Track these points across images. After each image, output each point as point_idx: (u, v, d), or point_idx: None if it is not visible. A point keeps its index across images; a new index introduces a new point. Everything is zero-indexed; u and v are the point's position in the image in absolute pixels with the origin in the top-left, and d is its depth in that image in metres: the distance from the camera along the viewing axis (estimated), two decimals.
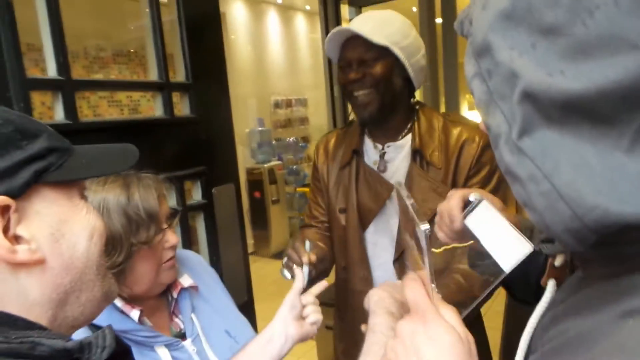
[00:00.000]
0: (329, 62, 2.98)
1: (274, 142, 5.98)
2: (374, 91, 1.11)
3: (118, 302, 0.86)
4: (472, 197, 0.73)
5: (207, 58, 1.51)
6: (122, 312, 0.85)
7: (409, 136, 1.18)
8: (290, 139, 6.32)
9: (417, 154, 1.14)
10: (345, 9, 3.03)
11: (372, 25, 1.09)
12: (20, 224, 0.42)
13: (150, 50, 1.33)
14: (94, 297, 0.49)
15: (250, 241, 5.44)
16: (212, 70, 1.54)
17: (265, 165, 5.50)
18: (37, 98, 1.03)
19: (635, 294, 0.33)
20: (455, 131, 1.15)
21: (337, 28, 1.11)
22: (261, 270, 5.16)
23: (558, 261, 0.51)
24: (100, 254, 0.50)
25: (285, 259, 1.07)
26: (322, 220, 1.31)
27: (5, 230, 0.40)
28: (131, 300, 0.87)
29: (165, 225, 0.88)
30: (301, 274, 0.95)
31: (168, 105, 1.36)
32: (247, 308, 1.63)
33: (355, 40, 1.10)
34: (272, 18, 6.45)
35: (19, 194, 0.42)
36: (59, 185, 0.46)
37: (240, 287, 1.62)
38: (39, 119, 1.04)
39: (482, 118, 0.40)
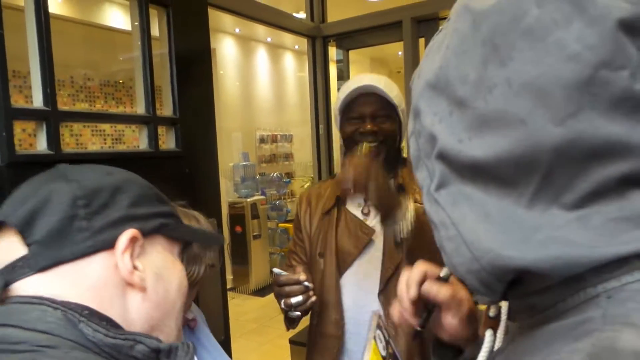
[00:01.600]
0: (315, 101, 3.04)
1: (257, 176, 5.98)
2: (383, 145, 1.17)
3: None
4: (443, 272, 0.69)
5: (195, 93, 1.53)
6: None
7: (392, 180, 1.20)
8: (274, 174, 6.33)
9: (400, 190, 1.17)
10: (333, 51, 3.12)
11: (384, 84, 1.15)
12: (139, 257, 0.53)
13: (139, 82, 1.34)
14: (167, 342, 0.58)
15: (229, 277, 5.33)
16: (200, 105, 1.55)
17: (248, 200, 5.47)
18: (19, 125, 1.03)
19: (554, 343, 0.34)
20: None
21: (357, 83, 1.16)
22: (239, 307, 5.04)
23: (492, 312, 0.53)
24: (181, 309, 0.59)
25: (282, 303, 1.08)
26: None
27: (130, 257, 0.52)
28: None
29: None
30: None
31: (153, 138, 1.36)
32: (223, 346, 1.58)
33: (369, 96, 1.16)
34: (261, 55, 6.59)
35: (146, 234, 0.55)
36: (170, 240, 0.59)
37: (217, 325, 1.57)
38: (18, 146, 1.03)
39: (413, 172, 0.46)
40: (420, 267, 0.71)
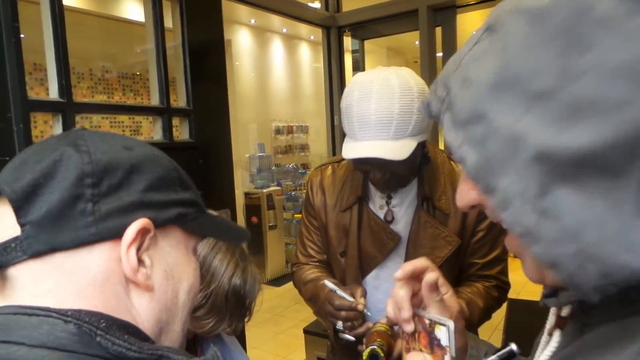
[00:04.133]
0: (331, 91, 3.02)
1: (273, 167, 6.00)
2: (398, 182, 1.08)
3: None
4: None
5: (209, 84, 1.53)
6: None
7: (415, 180, 1.13)
8: (290, 165, 6.35)
9: (425, 201, 1.11)
10: (348, 41, 3.09)
11: (394, 131, 0.94)
12: (148, 250, 0.47)
13: (153, 74, 1.36)
14: (172, 345, 0.53)
15: None
16: (214, 97, 1.56)
17: (264, 191, 5.50)
18: (40, 117, 1.05)
19: None
20: (459, 171, 1.13)
21: (359, 152, 0.96)
22: None
23: (565, 312, 0.52)
24: (189, 312, 0.53)
25: (339, 325, 1.01)
26: (319, 260, 1.26)
27: (137, 250, 0.45)
28: None
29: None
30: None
31: (168, 129, 1.37)
32: (238, 336, 1.60)
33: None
34: (277, 46, 6.58)
35: (160, 225, 0.47)
36: (187, 234, 0.52)
37: None
38: (39, 137, 1.05)
39: (477, 184, 0.41)
40: (405, 287, 0.69)
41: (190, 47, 1.44)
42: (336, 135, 3.02)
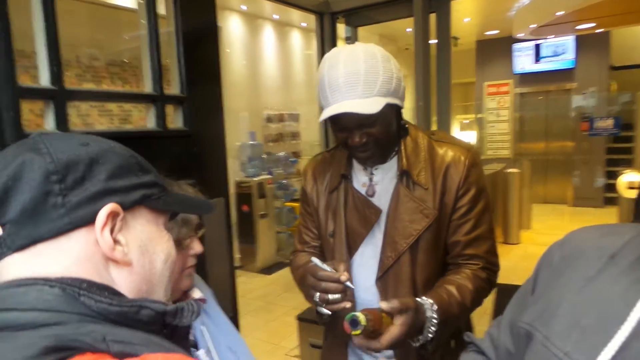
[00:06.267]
0: None
1: (264, 156, 5.97)
2: (377, 147, 1.09)
3: None
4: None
5: (202, 71, 1.51)
6: None
7: (396, 157, 1.17)
8: (281, 154, 6.32)
9: (404, 174, 1.13)
10: (342, 28, 3.06)
11: (362, 89, 1.00)
12: (121, 231, 0.52)
13: (145, 61, 1.33)
14: None
15: (236, 255, 5.39)
16: (207, 84, 1.53)
17: (255, 179, 5.48)
18: (26, 106, 1.02)
19: None
20: (441, 150, 1.15)
21: (330, 111, 1.01)
22: (247, 284, 5.10)
23: None
24: (170, 279, 0.59)
25: (317, 296, 1.02)
26: (314, 245, 1.29)
27: (111, 232, 0.51)
28: None
29: (193, 233, 0.96)
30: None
31: (161, 117, 1.35)
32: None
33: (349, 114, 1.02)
34: (268, 33, 6.50)
35: (128, 208, 0.53)
36: (154, 212, 0.57)
37: (225, 302, 1.59)
38: (26, 127, 1.03)
39: None
40: None
41: (184, 32, 1.41)
42: (328, 124, 3.00)
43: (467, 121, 10.07)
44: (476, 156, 1.16)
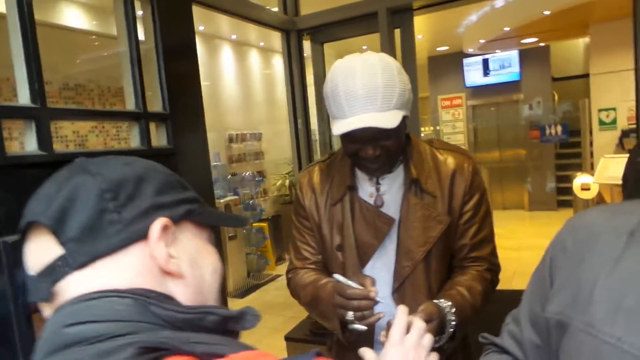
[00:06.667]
0: (293, 96, 3.00)
1: (229, 176, 5.87)
2: (388, 159, 1.10)
3: None
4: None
5: (184, 87, 1.47)
6: None
7: (402, 166, 1.17)
8: (247, 173, 6.24)
9: (413, 183, 1.13)
10: (307, 45, 3.08)
11: (381, 102, 0.99)
12: (173, 245, 0.53)
13: (127, 78, 1.28)
14: None
15: None
16: (189, 100, 1.49)
17: (222, 201, 5.37)
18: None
19: None
20: (444, 158, 1.17)
21: (350, 125, 0.99)
22: None
23: None
24: (219, 291, 0.60)
25: (349, 315, 0.99)
26: (314, 261, 1.24)
27: (165, 244, 0.52)
28: None
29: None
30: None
31: (145, 135, 1.29)
32: None
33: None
34: (227, 53, 6.47)
35: (176, 221, 0.54)
36: (198, 226, 0.58)
37: None
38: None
39: None
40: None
41: (164, 47, 1.37)
42: (300, 139, 3.00)
43: (423, 135, 10.36)
44: (476, 163, 1.19)
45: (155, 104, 1.38)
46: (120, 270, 0.49)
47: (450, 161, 1.16)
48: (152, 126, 1.35)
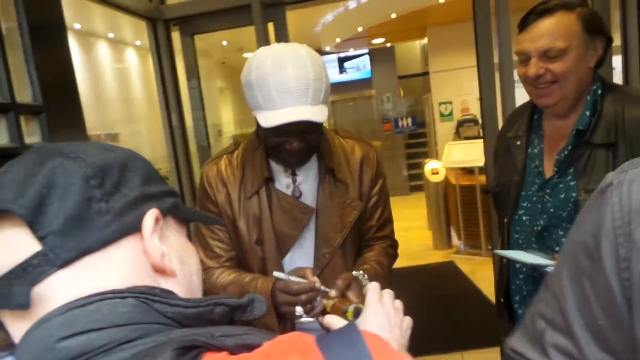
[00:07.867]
0: (165, 95, 2.80)
1: None
2: (310, 152, 1.12)
3: None
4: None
5: (57, 76, 1.27)
6: None
7: (315, 156, 1.18)
8: None
9: (327, 173, 1.16)
10: (176, 36, 2.90)
11: (312, 96, 0.98)
12: (161, 240, 0.47)
13: None
14: None
15: None
16: (64, 91, 1.30)
17: None
18: None
19: None
20: (350, 147, 1.23)
21: (283, 117, 0.97)
22: None
23: None
24: (200, 290, 0.54)
25: (299, 310, 0.97)
26: (228, 258, 1.20)
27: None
28: None
29: None
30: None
31: (16, 130, 1.09)
32: None
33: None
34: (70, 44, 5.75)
35: (164, 215, 0.48)
36: (179, 222, 0.53)
37: None
38: None
39: None
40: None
41: (30, 27, 1.17)
42: (175, 135, 2.82)
43: None
44: (377, 150, 1.28)
45: (25, 94, 1.17)
46: (113, 267, 0.43)
47: (357, 150, 1.22)
48: (23, 120, 1.15)
